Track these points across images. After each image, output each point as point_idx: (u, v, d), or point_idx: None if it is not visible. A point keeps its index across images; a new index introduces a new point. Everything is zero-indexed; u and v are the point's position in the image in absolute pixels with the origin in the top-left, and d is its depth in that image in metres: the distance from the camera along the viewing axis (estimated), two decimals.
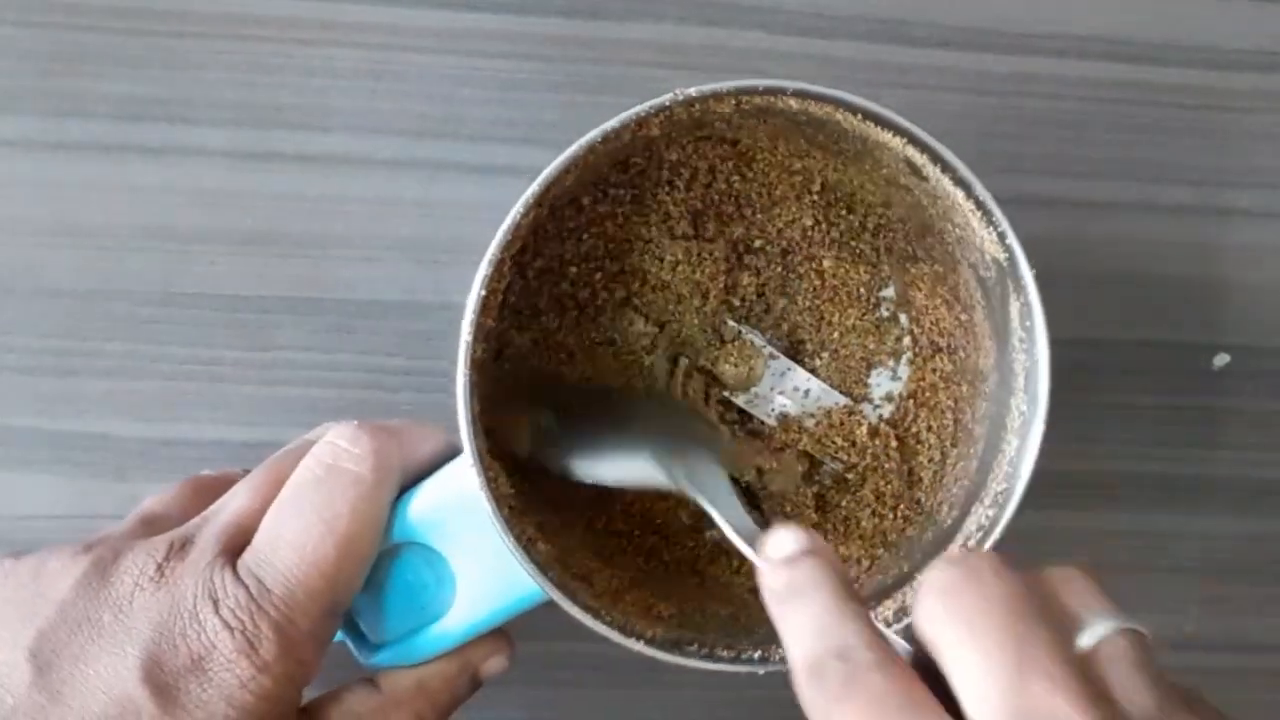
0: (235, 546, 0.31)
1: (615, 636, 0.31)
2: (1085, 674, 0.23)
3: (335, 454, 0.31)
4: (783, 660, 0.32)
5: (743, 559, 0.38)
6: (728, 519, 0.31)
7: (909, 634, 0.25)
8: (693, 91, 0.31)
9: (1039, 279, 0.32)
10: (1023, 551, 0.43)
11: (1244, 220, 0.43)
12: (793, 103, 0.32)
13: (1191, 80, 0.43)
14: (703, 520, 0.38)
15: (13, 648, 0.29)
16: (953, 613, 0.23)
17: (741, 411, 0.39)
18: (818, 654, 0.24)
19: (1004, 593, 0.23)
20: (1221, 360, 0.43)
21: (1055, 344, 0.32)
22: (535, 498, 0.35)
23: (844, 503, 0.38)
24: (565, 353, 0.37)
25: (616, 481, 0.34)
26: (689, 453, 0.34)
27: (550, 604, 0.32)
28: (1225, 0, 0.43)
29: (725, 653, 0.32)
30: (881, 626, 0.25)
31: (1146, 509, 0.43)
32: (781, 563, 0.26)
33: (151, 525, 0.33)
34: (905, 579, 0.33)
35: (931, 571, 0.24)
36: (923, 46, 0.42)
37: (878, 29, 0.42)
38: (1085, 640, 0.24)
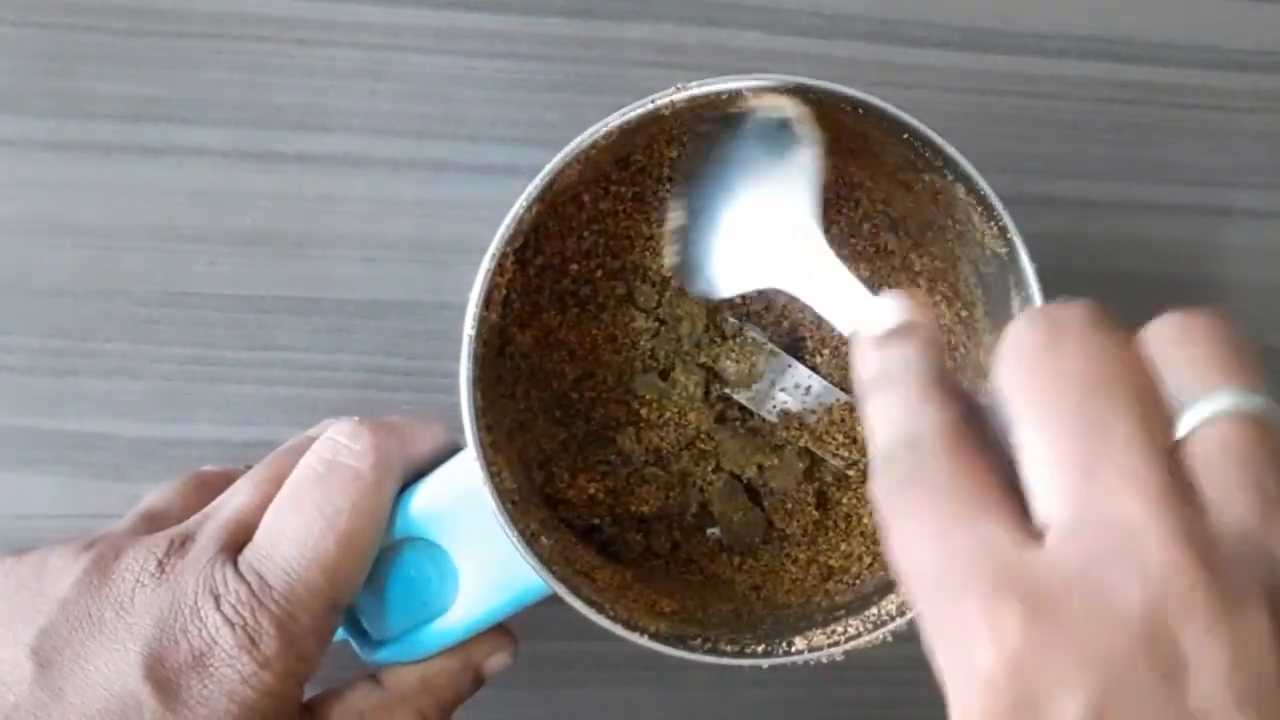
0: (236, 543, 0.31)
1: (619, 631, 0.31)
2: (1172, 469, 0.20)
3: (336, 450, 0.31)
4: (786, 654, 0.32)
5: (744, 556, 0.38)
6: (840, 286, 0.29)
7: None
8: (694, 87, 0.31)
9: (1038, 277, 0.32)
10: None
11: (1244, 220, 0.43)
12: (794, 99, 0.32)
13: (1191, 80, 0.43)
14: (705, 518, 0.38)
15: (15, 645, 0.29)
16: (1026, 384, 0.21)
17: (742, 408, 0.38)
18: (890, 443, 0.23)
19: (1084, 366, 0.21)
20: None
21: None
22: (535, 496, 0.35)
23: (845, 499, 0.38)
24: (566, 349, 0.37)
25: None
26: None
27: (552, 601, 0.32)
28: (1225, 0, 0.43)
29: (729, 647, 0.32)
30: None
31: None
32: (873, 343, 0.24)
33: (153, 522, 0.33)
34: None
35: (1013, 326, 0.22)
36: (923, 46, 0.42)
37: (878, 29, 0.42)
38: (1185, 424, 0.21)
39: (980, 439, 0.22)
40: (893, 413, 0.23)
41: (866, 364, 0.25)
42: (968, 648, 0.20)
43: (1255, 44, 0.43)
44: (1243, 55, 0.43)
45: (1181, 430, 0.21)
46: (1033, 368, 0.21)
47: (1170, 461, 0.20)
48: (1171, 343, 0.22)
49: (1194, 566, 0.19)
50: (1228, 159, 0.43)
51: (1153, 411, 0.21)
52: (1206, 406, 0.20)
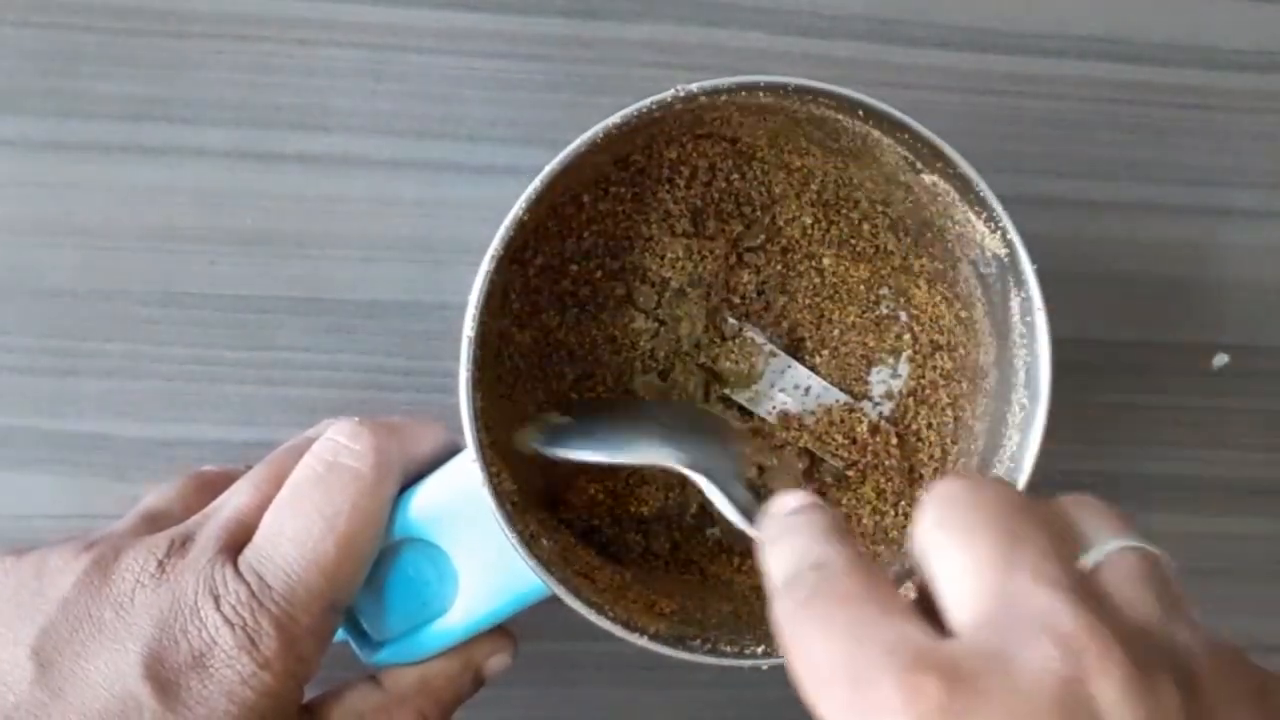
0: (236, 543, 0.31)
1: (618, 631, 0.31)
2: (1082, 578, 0.22)
3: (336, 451, 0.31)
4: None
5: (744, 557, 0.38)
6: (729, 496, 0.31)
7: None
8: (694, 87, 0.31)
9: (1038, 277, 0.32)
10: None
11: (1244, 220, 0.43)
12: (794, 100, 0.32)
13: (1191, 80, 0.43)
14: (705, 518, 0.38)
15: (15, 645, 0.29)
16: (947, 518, 0.23)
17: (742, 409, 0.39)
18: (795, 569, 0.23)
19: (1004, 500, 0.23)
20: (1221, 360, 0.43)
21: (1056, 344, 0.32)
22: (535, 497, 0.35)
23: (844, 500, 0.38)
24: (565, 350, 0.37)
25: (626, 461, 0.33)
26: (700, 439, 0.34)
27: (552, 602, 0.32)
28: (1225, 0, 0.43)
29: (728, 648, 0.32)
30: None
31: (1147, 509, 0.43)
32: (774, 516, 0.26)
33: (153, 522, 0.33)
34: (906, 575, 0.33)
35: (935, 483, 0.23)
36: (923, 46, 0.42)
37: (878, 29, 0.42)
38: (1090, 558, 0.22)
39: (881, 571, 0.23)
40: (796, 550, 0.24)
41: (767, 528, 0.26)
42: None
43: (1255, 44, 0.43)
44: (1243, 55, 0.43)
45: (1090, 560, 0.22)
46: (955, 503, 0.23)
47: (1079, 574, 0.22)
48: (1073, 503, 0.24)
49: (1109, 634, 0.20)
50: (1228, 159, 0.43)
51: (1064, 537, 0.23)
52: (1111, 544, 0.23)
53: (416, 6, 0.41)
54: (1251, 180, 0.43)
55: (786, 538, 0.25)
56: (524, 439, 0.34)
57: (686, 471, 0.32)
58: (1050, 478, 0.40)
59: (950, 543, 0.22)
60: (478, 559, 0.32)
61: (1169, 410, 0.43)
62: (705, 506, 0.38)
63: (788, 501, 0.26)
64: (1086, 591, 0.21)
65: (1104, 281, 0.43)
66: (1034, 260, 0.32)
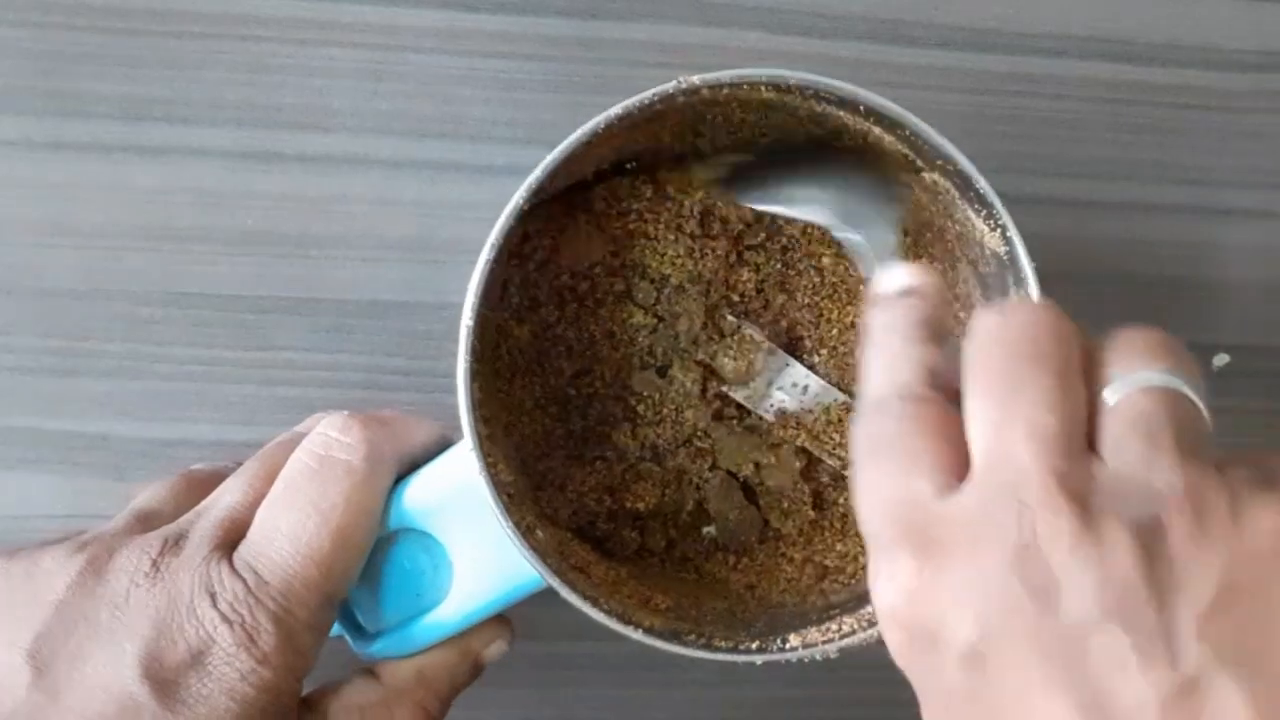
0: (230, 540, 0.31)
1: (613, 625, 0.31)
2: (1072, 426, 0.22)
3: (327, 444, 0.31)
4: (780, 650, 0.32)
5: (739, 556, 0.38)
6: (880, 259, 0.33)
7: None
8: (696, 80, 0.31)
9: (1038, 277, 0.32)
10: None
11: (1244, 220, 0.43)
12: (795, 96, 0.32)
13: (1191, 80, 0.43)
14: (701, 517, 0.38)
15: (10, 649, 0.29)
16: (973, 354, 0.24)
17: (740, 406, 0.38)
18: (870, 393, 0.25)
19: (1018, 337, 0.23)
20: (1221, 360, 0.43)
21: None
22: (531, 492, 0.35)
23: (841, 500, 0.38)
24: (564, 345, 0.37)
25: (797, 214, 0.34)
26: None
27: (548, 597, 0.32)
28: (1226, 0, 0.43)
29: (723, 643, 0.32)
30: None
31: None
32: (881, 299, 0.27)
33: (145, 521, 0.33)
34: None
35: (980, 311, 0.25)
36: (923, 46, 0.42)
37: (878, 29, 0.42)
38: (1108, 395, 0.23)
39: (949, 396, 0.24)
40: (879, 363, 0.26)
41: (869, 312, 0.27)
42: (878, 592, 0.23)
43: (1256, 44, 0.43)
44: (1243, 55, 0.43)
45: (1110, 398, 0.23)
46: (980, 340, 0.24)
47: (1072, 421, 0.23)
48: (1115, 338, 0.24)
49: (1063, 498, 0.21)
50: (1228, 159, 0.43)
51: (1073, 381, 0.23)
52: (1127, 381, 0.23)
53: (416, 6, 0.41)
54: (1251, 180, 0.43)
55: (878, 334, 0.26)
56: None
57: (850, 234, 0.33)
58: None
59: (970, 383, 0.24)
60: (473, 551, 0.32)
61: None
62: (701, 503, 0.38)
63: (894, 275, 0.27)
64: (1065, 443, 0.22)
65: (1104, 281, 0.42)
66: (1033, 259, 0.32)
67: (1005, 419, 0.23)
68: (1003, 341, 0.23)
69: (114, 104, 0.40)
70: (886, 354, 0.26)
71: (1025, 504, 0.21)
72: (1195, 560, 0.21)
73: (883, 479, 0.24)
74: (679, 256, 0.38)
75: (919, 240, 0.37)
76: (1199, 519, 0.21)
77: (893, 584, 0.23)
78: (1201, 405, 0.23)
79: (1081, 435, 0.23)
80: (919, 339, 0.25)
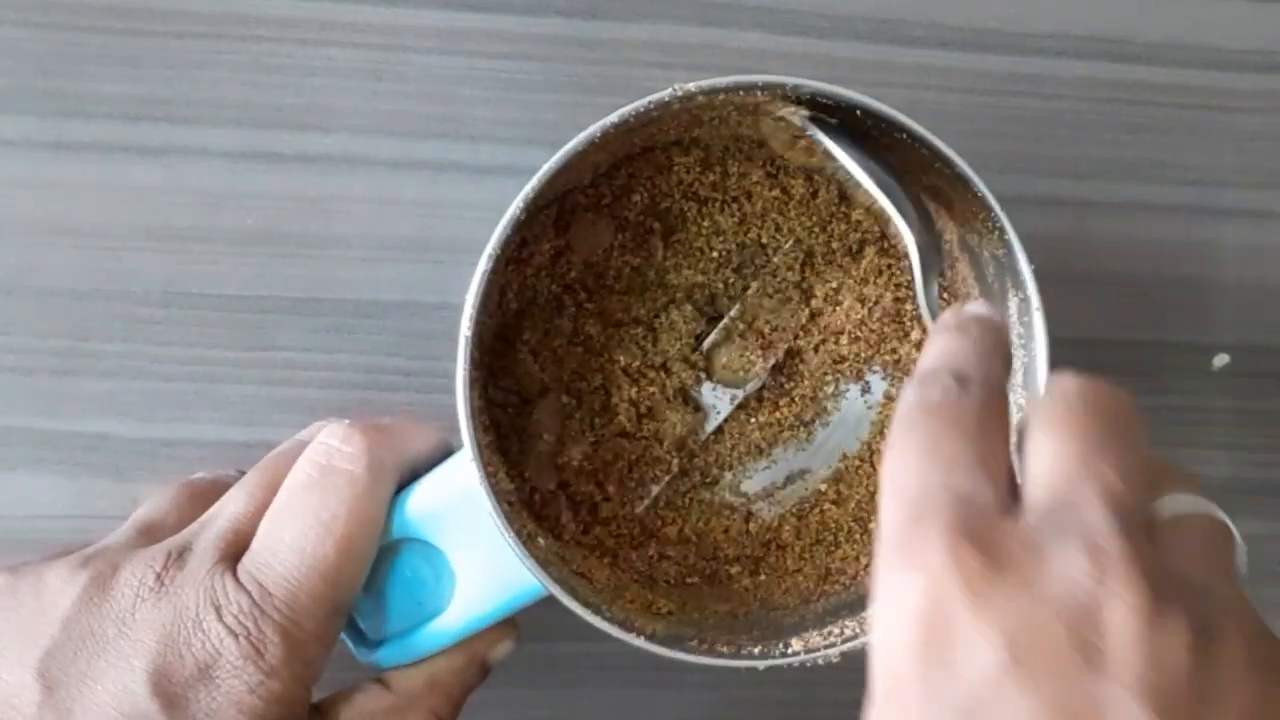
0: (234, 552, 0.31)
1: (615, 632, 0.31)
2: (1142, 504, 0.22)
3: (329, 454, 0.31)
4: (782, 655, 0.32)
5: (741, 561, 0.38)
6: (923, 283, 0.32)
7: None
8: (692, 87, 0.31)
9: (1038, 277, 0.32)
10: None
11: (1244, 220, 0.43)
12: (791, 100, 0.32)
13: (1191, 80, 0.43)
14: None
15: (20, 667, 0.29)
16: (1057, 400, 0.23)
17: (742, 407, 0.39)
18: (940, 365, 0.24)
19: (1108, 405, 0.23)
20: (1221, 360, 0.43)
21: (1055, 344, 0.32)
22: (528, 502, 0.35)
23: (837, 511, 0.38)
24: (563, 338, 0.37)
25: (871, 188, 0.33)
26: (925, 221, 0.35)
27: (550, 602, 0.32)
28: (1225, 0, 0.43)
29: (725, 649, 0.32)
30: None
31: None
32: (958, 312, 0.26)
33: (147, 533, 0.33)
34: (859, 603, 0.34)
35: (1058, 375, 0.24)
36: (923, 46, 0.42)
37: (878, 29, 0.42)
38: (1167, 507, 0.23)
39: (1009, 417, 0.24)
40: (955, 349, 0.25)
41: (946, 317, 0.26)
42: (916, 574, 0.22)
43: (1256, 44, 0.43)
44: (1243, 55, 0.43)
45: (1167, 510, 0.23)
46: (1067, 393, 0.23)
47: (1142, 500, 0.23)
48: (1162, 460, 0.24)
49: (1138, 572, 0.21)
50: (1228, 159, 0.43)
51: (1145, 470, 0.23)
52: (1188, 501, 0.24)
53: (416, 6, 0.41)
54: (1251, 180, 0.43)
55: (954, 331, 0.25)
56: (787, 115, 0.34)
57: (908, 235, 0.33)
58: None
59: (1044, 428, 0.23)
60: (474, 559, 0.32)
61: (1169, 410, 0.43)
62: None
63: (977, 305, 0.27)
64: (1136, 523, 0.22)
65: (1104, 281, 0.42)
66: (1031, 261, 0.32)
67: (1084, 470, 0.22)
68: (1091, 403, 0.23)
69: (114, 104, 0.40)
70: (967, 344, 0.25)
71: (1100, 562, 0.21)
72: (1239, 682, 0.21)
73: (944, 460, 0.23)
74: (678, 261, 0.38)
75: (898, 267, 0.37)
76: (1251, 646, 0.21)
77: (948, 573, 0.21)
78: (1244, 551, 0.24)
79: (1146, 520, 0.23)
80: (999, 352, 0.25)
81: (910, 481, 0.23)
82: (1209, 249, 0.43)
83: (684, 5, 0.41)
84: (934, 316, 0.32)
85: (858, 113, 0.32)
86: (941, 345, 0.25)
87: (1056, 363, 0.32)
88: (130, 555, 0.31)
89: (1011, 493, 0.23)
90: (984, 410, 0.23)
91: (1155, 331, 0.43)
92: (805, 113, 0.33)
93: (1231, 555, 0.24)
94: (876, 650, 0.22)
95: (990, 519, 0.22)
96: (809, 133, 0.34)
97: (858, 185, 0.34)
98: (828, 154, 0.33)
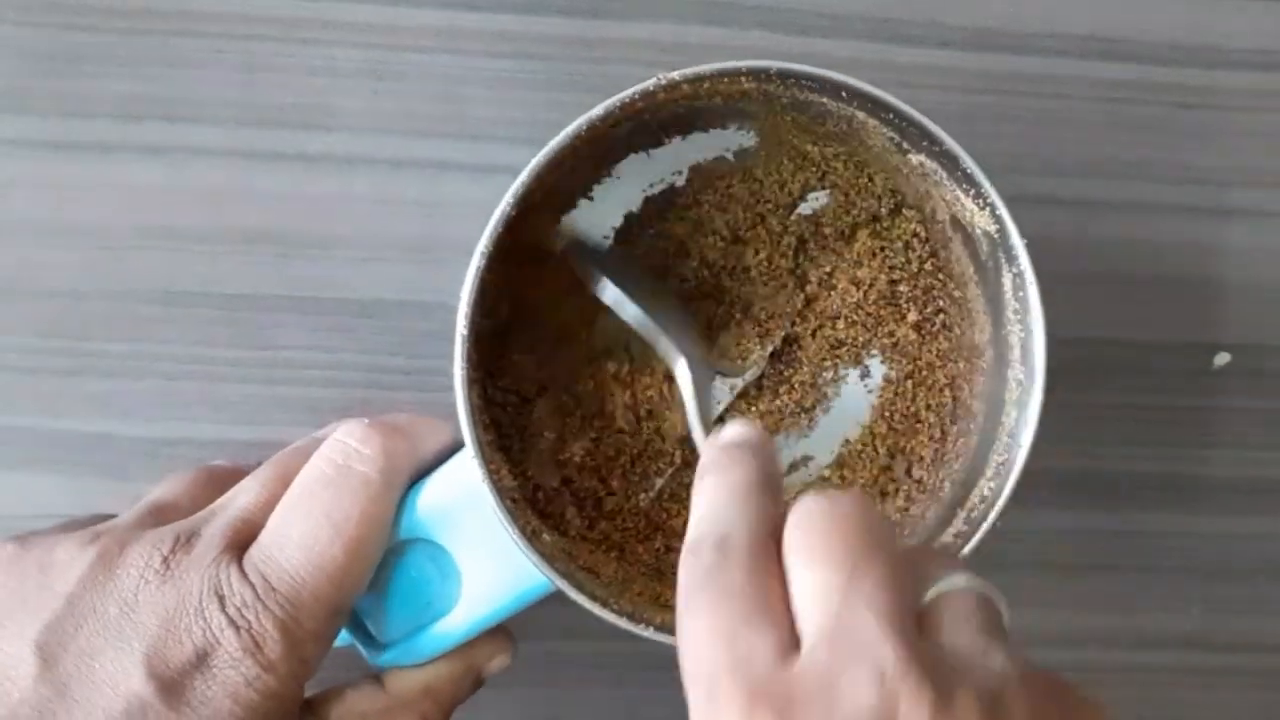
0: (241, 542, 0.31)
1: (624, 624, 0.31)
2: (909, 608, 0.24)
3: (346, 454, 0.31)
4: None
5: None
6: (697, 406, 0.33)
7: None
8: (676, 75, 0.31)
9: (1036, 275, 0.32)
10: (1022, 552, 0.43)
11: (1244, 220, 0.43)
12: (776, 85, 0.32)
13: (1191, 80, 0.43)
14: None
15: (19, 640, 0.29)
16: (803, 536, 0.24)
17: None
18: (702, 536, 0.25)
19: (857, 525, 0.24)
20: (1221, 360, 0.43)
21: (1055, 343, 0.32)
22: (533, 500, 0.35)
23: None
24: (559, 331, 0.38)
25: (627, 316, 0.35)
26: (689, 347, 0.35)
27: (556, 598, 0.32)
28: (1225, 0, 0.43)
29: None
30: None
31: (1146, 509, 0.43)
32: (718, 446, 0.27)
33: (160, 514, 0.33)
34: None
35: (798, 500, 0.25)
36: (923, 46, 0.42)
37: (878, 29, 0.42)
38: (929, 593, 0.25)
39: (777, 551, 0.25)
40: (714, 506, 0.26)
41: (704, 456, 0.27)
42: None
43: (1255, 44, 0.43)
44: (1243, 55, 0.43)
45: (929, 595, 0.25)
46: (812, 518, 0.25)
47: (908, 604, 0.24)
48: (917, 549, 0.26)
49: (921, 669, 0.22)
50: (1228, 159, 0.43)
51: (904, 571, 0.24)
52: (948, 582, 0.25)
53: (417, 6, 0.41)
54: (1251, 180, 0.43)
55: (712, 477, 0.27)
56: (563, 234, 0.35)
57: (676, 363, 0.34)
58: (1050, 478, 0.40)
59: (802, 561, 0.24)
60: (480, 557, 0.32)
61: (1169, 410, 0.43)
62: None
63: (731, 431, 0.28)
64: (911, 624, 0.23)
65: (1104, 281, 0.43)
66: (1023, 235, 0.32)
67: (850, 592, 0.23)
68: (840, 522, 0.24)
69: (114, 104, 0.40)
70: (724, 494, 0.26)
71: (885, 674, 0.22)
72: None
73: (720, 633, 0.24)
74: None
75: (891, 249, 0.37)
76: (1034, 698, 0.23)
77: None
78: (1003, 607, 0.25)
79: (914, 619, 0.24)
80: (758, 486, 0.26)
81: (698, 661, 0.24)
82: (1209, 249, 0.43)
83: (684, 4, 0.41)
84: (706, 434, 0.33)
85: (843, 94, 0.32)
86: (702, 505, 0.26)
87: (1057, 362, 0.32)
88: (139, 535, 0.31)
89: (792, 628, 0.24)
90: (747, 566, 0.24)
91: (1155, 331, 0.43)
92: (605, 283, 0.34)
93: (998, 619, 0.25)
94: None
95: (775, 675, 0.23)
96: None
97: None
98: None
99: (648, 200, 0.38)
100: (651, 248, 0.38)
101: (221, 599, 0.29)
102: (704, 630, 0.24)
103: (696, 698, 0.24)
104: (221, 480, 0.34)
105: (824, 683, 0.22)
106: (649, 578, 0.35)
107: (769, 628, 0.24)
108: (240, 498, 0.32)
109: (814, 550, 0.24)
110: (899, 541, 0.26)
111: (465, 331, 0.31)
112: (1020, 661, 0.23)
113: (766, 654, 0.23)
